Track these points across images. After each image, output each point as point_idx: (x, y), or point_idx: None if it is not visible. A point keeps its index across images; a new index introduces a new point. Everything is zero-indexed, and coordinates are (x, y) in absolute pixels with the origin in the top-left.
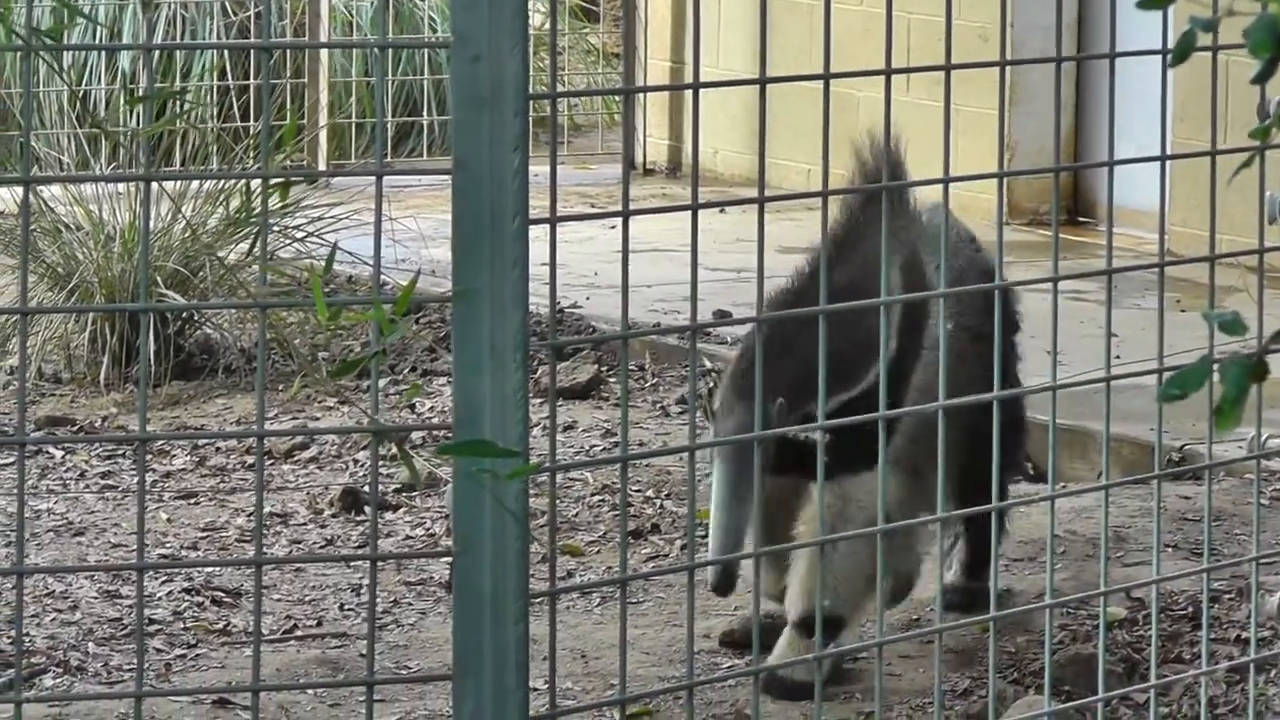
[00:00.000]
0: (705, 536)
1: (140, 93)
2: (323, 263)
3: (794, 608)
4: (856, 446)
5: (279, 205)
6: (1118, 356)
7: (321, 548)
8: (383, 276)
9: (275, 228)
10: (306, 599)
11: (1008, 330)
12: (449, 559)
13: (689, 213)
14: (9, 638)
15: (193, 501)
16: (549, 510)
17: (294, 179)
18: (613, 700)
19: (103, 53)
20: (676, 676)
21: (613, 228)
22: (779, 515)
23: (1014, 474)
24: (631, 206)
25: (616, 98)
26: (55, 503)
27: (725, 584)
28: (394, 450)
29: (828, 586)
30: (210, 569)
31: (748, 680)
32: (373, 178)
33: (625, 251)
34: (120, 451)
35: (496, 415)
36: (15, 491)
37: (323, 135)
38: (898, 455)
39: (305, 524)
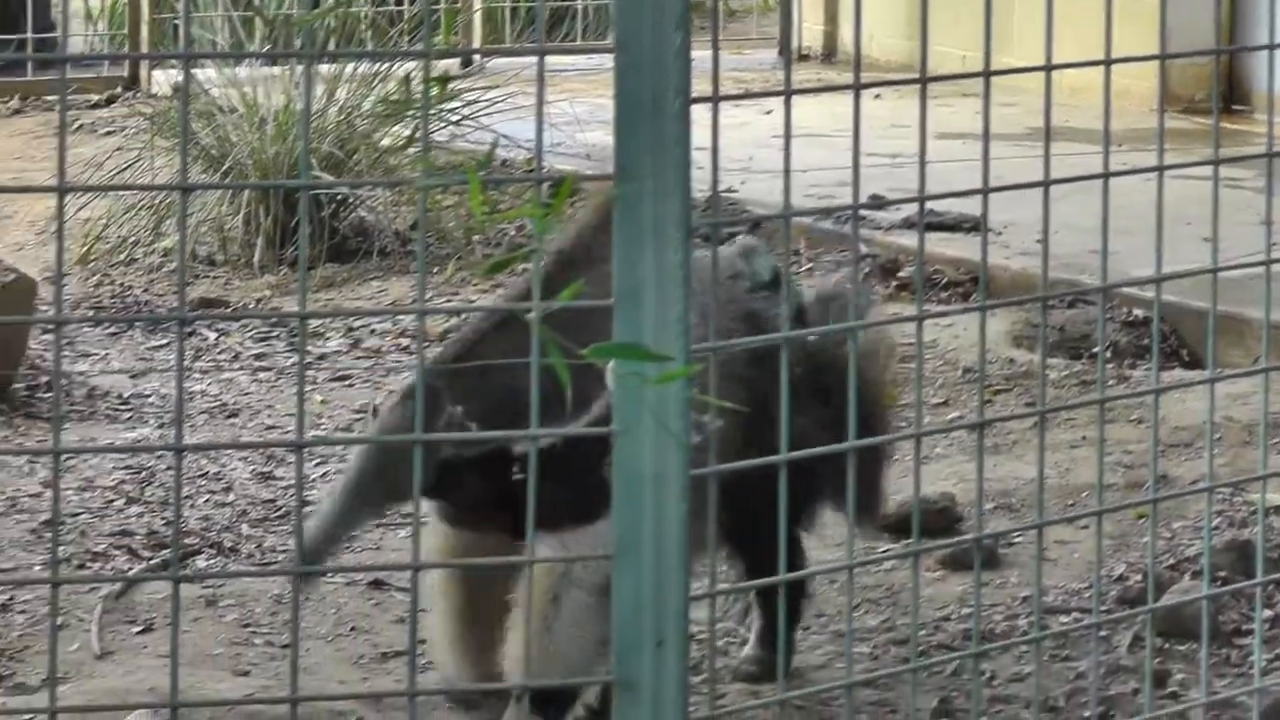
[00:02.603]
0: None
1: None
2: (479, 147)
3: (518, 680)
4: (580, 495)
5: (437, 97)
6: (1275, 243)
7: None
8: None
9: (431, 111)
10: None
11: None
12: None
13: (844, 98)
14: (164, 518)
15: (347, 384)
16: (709, 392)
17: (450, 77)
18: (771, 581)
19: None
20: (831, 560)
21: (768, 112)
22: (485, 582)
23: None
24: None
25: None
26: (209, 384)
27: (314, 564)
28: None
29: (554, 659)
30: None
31: (904, 563)
32: (526, 61)
33: (788, 131)
34: (274, 333)
35: (658, 293)
36: (170, 373)
37: (477, 19)
38: None
39: None
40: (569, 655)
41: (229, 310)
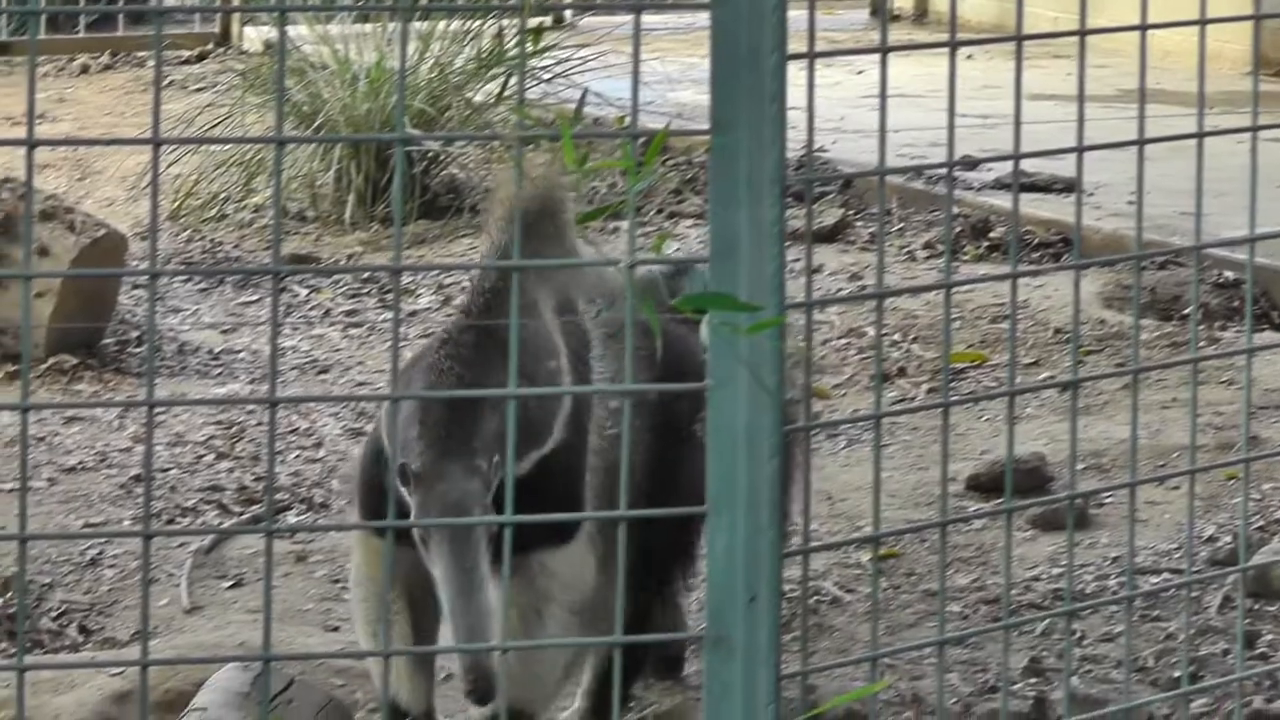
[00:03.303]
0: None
1: None
2: (569, 104)
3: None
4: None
5: (532, 51)
6: None
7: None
8: (629, 118)
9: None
10: None
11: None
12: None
13: (936, 60)
14: (254, 474)
15: None
16: (804, 348)
17: (547, 25)
18: (865, 538)
19: None
20: (922, 519)
21: (860, 73)
22: (422, 604)
23: (683, 572)
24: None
25: None
26: (300, 340)
27: (486, 691)
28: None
29: (533, 674)
30: None
31: (994, 523)
32: (619, 20)
33: (883, 88)
34: (365, 289)
35: (753, 248)
36: (261, 328)
37: None
38: (596, 526)
39: None
40: (549, 672)
41: (321, 265)
